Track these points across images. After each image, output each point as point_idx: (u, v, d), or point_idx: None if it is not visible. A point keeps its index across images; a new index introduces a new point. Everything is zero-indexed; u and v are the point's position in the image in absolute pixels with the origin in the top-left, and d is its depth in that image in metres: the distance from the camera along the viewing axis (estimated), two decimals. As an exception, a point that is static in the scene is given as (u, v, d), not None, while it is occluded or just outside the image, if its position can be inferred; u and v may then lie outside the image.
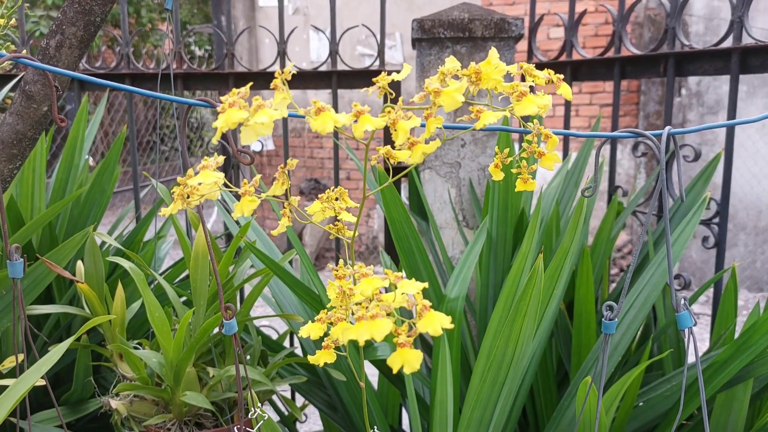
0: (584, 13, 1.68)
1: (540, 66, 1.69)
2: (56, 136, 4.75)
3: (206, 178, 0.51)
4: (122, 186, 5.65)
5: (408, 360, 0.44)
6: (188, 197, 0.54)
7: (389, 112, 0.48)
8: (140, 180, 1.83)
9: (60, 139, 4.69)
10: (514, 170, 0.58)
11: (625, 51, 1.58)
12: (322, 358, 0.62)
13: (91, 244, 1.18)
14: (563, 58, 1.69)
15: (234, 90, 0.46)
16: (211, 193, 0.54)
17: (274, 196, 0.58)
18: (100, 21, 1.00)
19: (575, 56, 1.69)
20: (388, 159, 0.54)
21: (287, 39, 1.72)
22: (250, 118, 0.45)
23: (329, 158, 5.52)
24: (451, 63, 0.49)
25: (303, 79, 1.76)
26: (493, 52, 0.49)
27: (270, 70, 1.79)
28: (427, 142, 0.50)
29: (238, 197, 0.55)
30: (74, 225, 1.47)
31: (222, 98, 0.46)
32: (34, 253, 1.31)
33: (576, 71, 1.68)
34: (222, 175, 0.53)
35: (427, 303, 0.45)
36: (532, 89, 0.51)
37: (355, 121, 0.47)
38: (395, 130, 0.48)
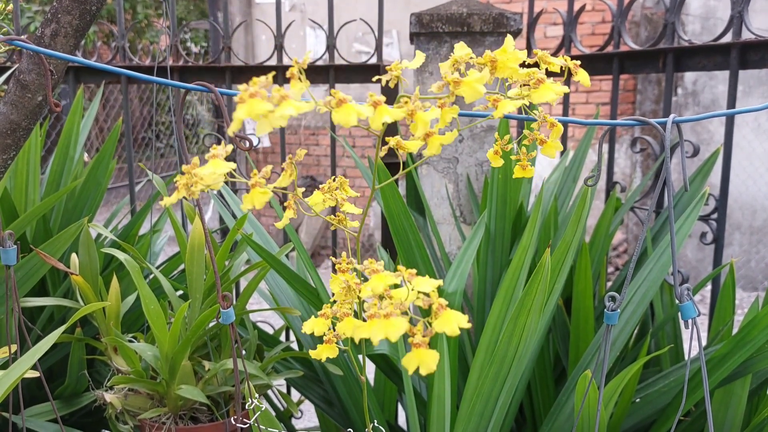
0: (583, 8, 1.67)
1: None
2: (51, 132, 4.72)
3: (217, 167, 0.47)
4: (117, 182, 5.63)
5: (424, 361, 0.41)
6: (191, 186, 0.51)
7: (406, 102, 0.45)
8: (135, 175, 1.81)
9: (55, 135, 4.66)
10: (513, 157, 0.57)
11: (624, 46, 1.57)
12: (323, 352, 0.60)
13: (86, 236, 1.17)
14: (561, 53, 1.68)
15: (254, 79, 0.43)
16: (215, 183, 0.52)
17: (281, 188, 0.57)
18: (95, 10, 0.98)
19: (574, 51, 1.68)
20: (397, 150, 0.52)
21: (284, 33, 1.71)
22: (276, 110, 0.42)
23: (325, 155, 5.51)
24: (462, 50, 0.47)
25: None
26: (509, 40, 0.47)
27: (267, 63, 1.78)
28: (442, 132, 0.47)
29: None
30: (69, 218, 1.45)
31: (240, 87, 0.43)
32: (28, 245, 1.29)
33: (574, 67, 1.67)
34: (234, 165, 0.50)
35: (444, 302, 0.43)
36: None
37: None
38: (413, 122, 0.45)
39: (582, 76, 0.50)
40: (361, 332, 0.43)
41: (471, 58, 0.47)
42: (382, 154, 0.51)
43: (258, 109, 0.41)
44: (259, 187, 0.49)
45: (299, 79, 0.44)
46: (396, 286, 0.46)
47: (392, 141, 0.51)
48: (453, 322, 0.42)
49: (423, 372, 0.41)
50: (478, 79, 0.44)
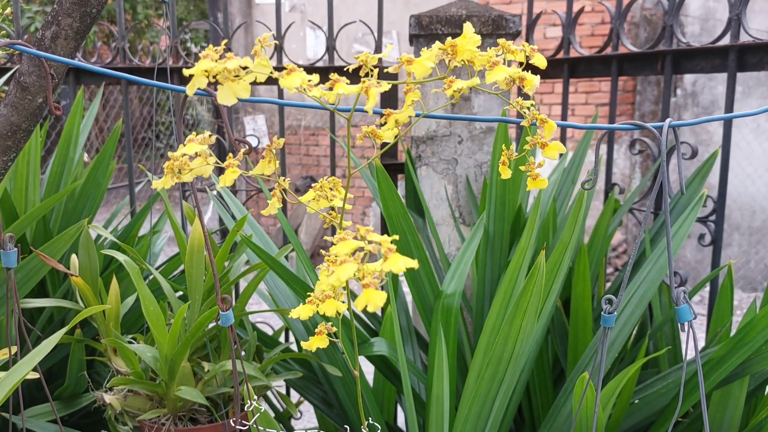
0: (582, 10, 1.68)
1: (537, 63, 1.69)
2: (51, 132, 4.72)
3: (191, 149, 0.54)
4: (117, 182, 5.63)
5: (372, 299, 0.46)
6: (179, 172, 0.56)
7: (364, 82, 0.52)
8: (135, 176, 1.82)
9: (55, 135, 4.66)
10: (522, 167, 0.59)
11: (622, 48, 1.58)
12: (314, 343, 0.64)
13: (86, 237, 1.17)
14: (560, 55, 1.69)
15: (210, 46, 0.51)
16: (202, 168, 0.56)
17: (262, 175, 0.59)
18: (96, 12, 0.99)
19: (573, 53, 1.69)
20: (372, 138, 0.56)
21: (284, 34, 1.71)
22: (218, 64, 0.49)
23: (325, 156, 5.51)
24: (437, 46, 0.53)
25: (300, 75, 1.75)
26: (468, 26, 0.53)
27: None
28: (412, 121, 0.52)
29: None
30: (69, 219, 1.46)
31: (200, 54, 0.50)
32: (28, 246, 1.30)
33: (573, 69, 1.68)
34: (205, 147, 0.57)
35: (393, 246, 0.48)
36: (536, 72, 0.53)
37: (330, 88, 0.51)
38: (367, 98, 0.51)
39: (538, 59, 0.55)
40: (321, 285, 0.51)
41: (441, 49, 0.53)
42: (358, 142, 0.55)
43: (204, 66, 0.49)
44: (231, 167, 0.56)
45: (261, 55, 0.52)
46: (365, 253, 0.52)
47: (367, 129, 0.55)
48: (399, 262, 0.47)
49: (370, 309, 0.46)
50: (427, 58, 0.51)
